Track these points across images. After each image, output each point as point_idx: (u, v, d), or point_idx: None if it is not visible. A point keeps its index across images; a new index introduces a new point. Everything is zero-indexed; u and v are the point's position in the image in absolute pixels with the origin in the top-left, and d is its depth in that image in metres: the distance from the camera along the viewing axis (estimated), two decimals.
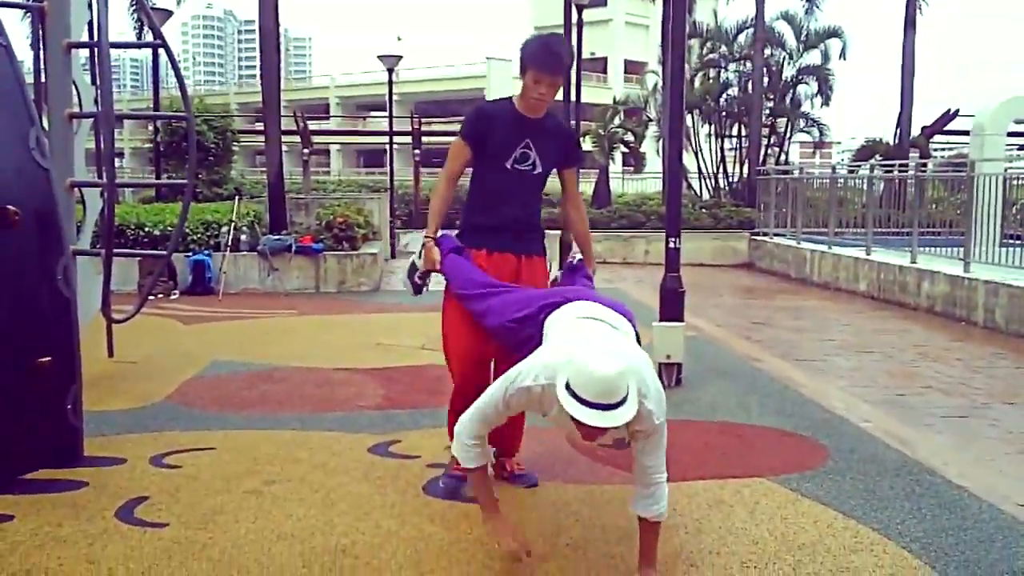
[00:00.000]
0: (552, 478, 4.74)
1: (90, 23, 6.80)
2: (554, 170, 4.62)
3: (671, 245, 7.09)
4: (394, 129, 24.01)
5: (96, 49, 6.23)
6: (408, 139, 25.41)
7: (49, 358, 4.75)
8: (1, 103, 4.77)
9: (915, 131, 25.54)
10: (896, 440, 5.56)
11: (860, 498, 4.49)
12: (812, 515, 4.25)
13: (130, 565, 3.61)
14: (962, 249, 11.88)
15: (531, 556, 3.56)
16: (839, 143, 57.63)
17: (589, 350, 3.17)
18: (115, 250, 6.36)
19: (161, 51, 7.83)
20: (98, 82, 6.50)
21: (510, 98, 4.47)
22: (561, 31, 18.05)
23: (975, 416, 6.68)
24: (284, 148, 15.94)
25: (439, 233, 4.56)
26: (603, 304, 3.80)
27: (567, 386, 3.10)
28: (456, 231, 4.59)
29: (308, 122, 20.44)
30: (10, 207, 4.59)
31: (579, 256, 4.80)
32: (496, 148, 4.41)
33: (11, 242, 4.64)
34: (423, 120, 27.96)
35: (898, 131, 24.51)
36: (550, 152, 4.50)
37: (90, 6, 6.50)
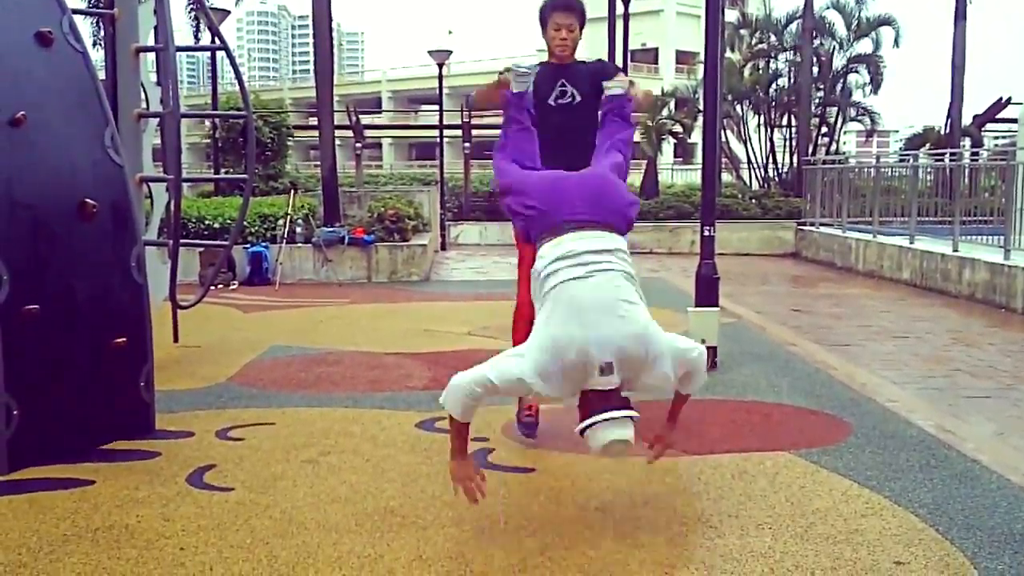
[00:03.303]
0: (586, 450, 5.05)
1: (156, 28, 7.24)
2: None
3: (705, 233, 7.37)
4: (445, 122, 24.39)
5: (162, 53, 6.67)
6: (459, 132, 25.80)
7: (124, 339, 5.19)
8: (79, 105, 5.21)
9: (967, 119, 25.40)
10: (918, 418, 5.81)
11: (876, 469, 4.76)
12: (828, 484, 4.54)
13: (201, 522, 4.02)
14: (1003, 237, 11.99)
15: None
16: (896, 131, 56.90)
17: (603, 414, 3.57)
18: (180, 241, 6.80)
19: (220, 52, 8.26)
20: (164, 83, 6.95)
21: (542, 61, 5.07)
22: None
23: (998, 396, 6.90)
24: (337, 142, 16.36)
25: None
26: (599, 217, 3.98)
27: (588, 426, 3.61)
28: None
29: (360, 116, 20.93)
30: (88, 200, 5.04)
31: (616, 88, 4.80)
32: (538, 93, 4.87)
33: (89, 233, 5.08)
34: (473, 113, 28.33)
35: (948, 120, 24.38)
36: (585, 83, 5.00)
37: (155, 12, 6.93)
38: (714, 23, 7.75)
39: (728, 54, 26.35)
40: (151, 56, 7.39)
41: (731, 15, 28.17)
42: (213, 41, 8.21)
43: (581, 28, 5.05)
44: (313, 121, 20.89)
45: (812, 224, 19.49)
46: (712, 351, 7.23)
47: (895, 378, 7.39)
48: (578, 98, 4.98)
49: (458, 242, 21.63)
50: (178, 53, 6.87)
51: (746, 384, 6.73)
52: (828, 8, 25.95)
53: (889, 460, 4.92)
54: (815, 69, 25.30)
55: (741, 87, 26.36)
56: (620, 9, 18.87)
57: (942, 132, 25.02)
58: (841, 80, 26.37)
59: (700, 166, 8.01)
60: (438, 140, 24.70)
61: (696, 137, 29.80)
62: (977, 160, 19.33)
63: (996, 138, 30.37)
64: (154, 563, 3.61)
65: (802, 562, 3.63)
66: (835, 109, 26.45)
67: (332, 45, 15.98)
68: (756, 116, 27.19)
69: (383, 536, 3.86)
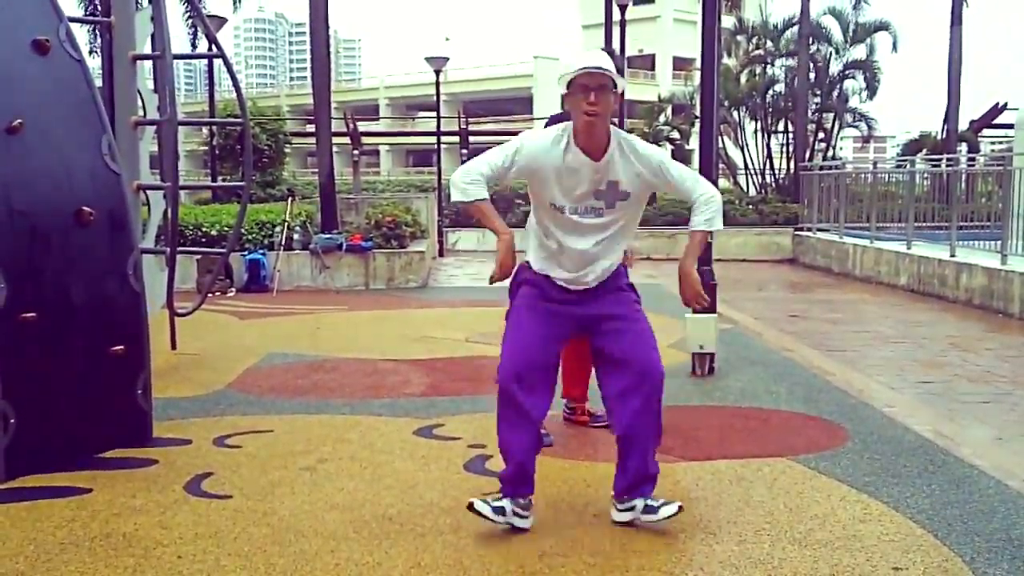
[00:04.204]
0: (585, 458, 5.07)
1: (153, 35, 7.24)
2: None
3: None
4: (442, 129, 24.41)
5: (159, 61, 6.66)
6: (456, 138, 25.86)
7: (121, 347, 5.18)
8: (77, 113, 5.21)
9: (964, 124, 25.47)
10: (916, 423, 5.81)
11: (874, 475, 4.76)
12: (826, 490, 4.54)
13: (198, 530, 4.01)
14: (1000, 242, 12.02)
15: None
16: (893, 137, 56.99)
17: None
18: (178, 248, 6.80)
19: (217, 60, 8.27)
20: (161, 91, 6.95)
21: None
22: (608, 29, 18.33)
23: (996, 401, 6.90)
24: (335, 149, 16.35)
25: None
26: None
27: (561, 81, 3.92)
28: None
29: (358, 123, 20.93)
30: (85, 208, 5.03)
31: None
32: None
33: (86, 240, 5.07)
34: (471, 119, 28.37)
35: (945, 125, 24.43)
36: None
37: (153, 20, 6.93)
38: (711, 29, 7.77)
39: (725, 60, 26.42)
40: (148, 64, 7.38)
41: (728, 21, 28.25)
42: (210, 49, 8.22)
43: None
44: (310, 128, 20.86)
45: (809, 230, 19.51)
46: (710, 357, 7.25)
47: (893, 383, 7.40)
48: None
49: (456, 248, 21.63)
50: (175, 61, 6.88)
51: (744, 390, 6.73)
52: (824, 14, 26.04)
53: (887, 466, 4.92)
54: (812, 75, 25.36)
55: (738, 93, 26.42)
56: (617, 15, 18.91)
57: (939, 137, 25.07)
58: (838, 86, 26.44)
59: (697, 172, 7.99)
60: (435, 147, 24.69)
61: (693, 143, 29.84)
62: (974, 165, 19.37)
63: (993, 143, 30.45)
64: (152, 571, 3.60)
65: (800, 568, 3.63)
66: (832, 115, 26.51)
67: (329, 52, 15.97)
68: (753, 122, 27.25)
69: (381, 543, 3.86)
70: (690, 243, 4.04)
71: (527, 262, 4.25)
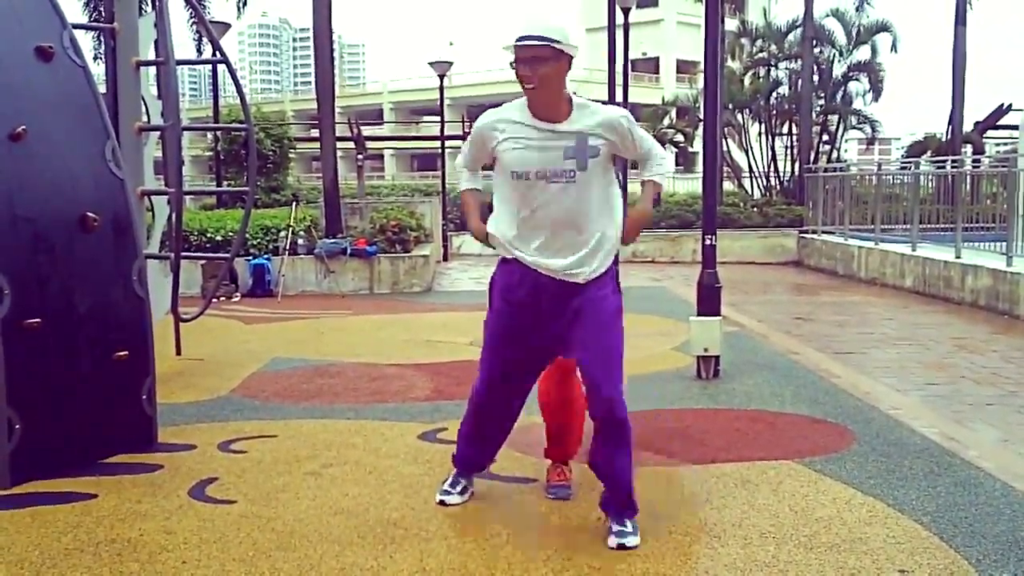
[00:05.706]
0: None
1: (156, 42, 7.26)
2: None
3: (707, 242, 7.37)
4: (446, 133, 24.44)
5: (163, 66, 6.68)
6: (460, 143, 25.89)
7: (126, 352, 5.19)
8: (80, 119, 5.22)
9: (968, 126, 25.41)
10: (922, 425, 5.80)
11: (880, 478, 4.74)
12: (832, 493, 4.53)
13: (203, 535, 4.01)
14: (1005, 243, 11.99)
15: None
16: (898, 139, 56.91)
17: None
18: (182, 254, 6.81)
19: (221, 65, 8.28)
20: (165, 97, 6.97)
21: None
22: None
23: (1002, 404, 6.87)
24: (339, 154, 16.37)
25: None
26: None
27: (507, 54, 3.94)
28: None
29: (362, 128, 20.95)
30: (89, 214, 5.04)
31: None
32: None
33: (91, 246, 5.08)
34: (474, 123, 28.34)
35: (950, 127, 24.39)
36: None
37: (156, 27, 6.95)
38: (714, 32, 7.78)
39: (729, 63, 26.41)
40: (152, 70, 7.40)
41: (731, 24, 28.24)
42: (214, 54, 8.22)
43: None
44: (315, 133, 20.89)
45: (814, 232, 19.48)
46: (715, 360, 7.23)
47: (898, 385, 7.38)
48: None
49: (460, 252, 21.62)
50: (179, 66, 6.89)
51: (749, 393, 6.72)
52: (828, 16, 26.02)
53: (893, 468, 4.91)
54: (815, 77, 25.34)
55: (742, 96, 26.41)
56: (620, 19, 18.93)
57: (943, 139, 25.03)
58: (842, 88, 26.41)
59: (701, 175, 8.00)
60: (439, 151, 24.72)
61: (698, 146, 29.88)
62: (979, 167, 19.31)
63: (997, 144, 30.39)
64: None
65: (806, 571, 3.62)
66: (836, 117, 26.48)
67: (333, 57, 16.00)
68: (757, 124, 27.24)
69: (386, 548, 3.86)
70: (645, 191, 4.17)
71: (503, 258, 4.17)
